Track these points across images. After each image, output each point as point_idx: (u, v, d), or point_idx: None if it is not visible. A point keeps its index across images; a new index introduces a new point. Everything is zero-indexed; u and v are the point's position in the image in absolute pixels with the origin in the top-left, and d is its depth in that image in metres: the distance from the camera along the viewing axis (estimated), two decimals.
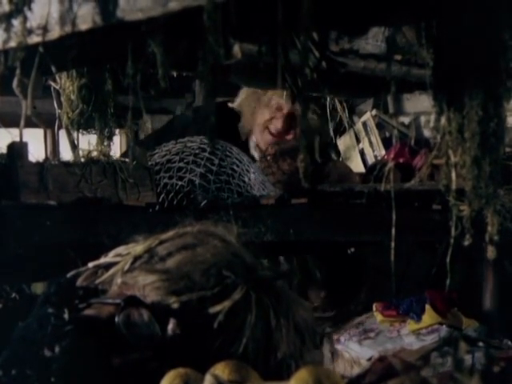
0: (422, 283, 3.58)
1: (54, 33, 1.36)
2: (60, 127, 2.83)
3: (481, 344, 2.99)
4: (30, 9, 1.36)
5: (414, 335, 3.09)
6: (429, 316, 3.14)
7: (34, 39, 1.38)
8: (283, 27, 1.20)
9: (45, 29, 1.35)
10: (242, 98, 3.87)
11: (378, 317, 3.26)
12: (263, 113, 3.77)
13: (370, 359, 2.97)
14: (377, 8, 1.27)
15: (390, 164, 1.60)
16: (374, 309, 3.30)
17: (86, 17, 1.30)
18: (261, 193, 2.83)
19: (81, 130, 2.75)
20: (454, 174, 1.47)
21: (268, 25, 1.33)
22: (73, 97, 2.63)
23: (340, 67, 2.02)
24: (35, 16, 1.38)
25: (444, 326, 3.11)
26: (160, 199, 2.64)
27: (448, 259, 1.54)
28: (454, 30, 1.34)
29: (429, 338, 3.05)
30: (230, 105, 3.86)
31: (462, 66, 1.37)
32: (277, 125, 3.69)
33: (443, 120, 1.45)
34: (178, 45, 1.38)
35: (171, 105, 5.36)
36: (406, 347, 3.01)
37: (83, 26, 1.30)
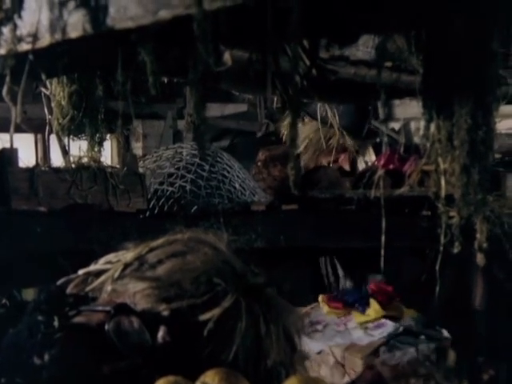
0: (413, 288, 3.59)
1: (44, 40, 1.36)
2: (51, 132, 2.83)
3: (422, 337, 3.07)
4: (20, 16, 1.36)
5: (361, 329, 3.13)
6: (373, 309, 3.21)
7: (24, 47, 1.38)
8: (273, 35, 1.21)
9: (35, 36, 1.35)
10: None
11: (324, 308, 3.28)
12: (326, 156, 3.97)
13: (319, 353, 2.99)
14: (367, 17, 1.28)
15: (380, 172, 1.60)
16: (320, 299, 3.31)
17: (76, 25, 1.29)
18: (251, 198, 2.83)
19: (71, 136, 2.74)
20: (443, 182, 1.47)
21: (258, 32, 1.33)
22: (63, 103, 2.63)
23: (330, 74, 2.03)
24: (25, 23, 1.37)
25: (390, 322, 3.16)
26: (151, 205, 2.64)
27: (437, 267, 1.54)
28: (443, 38, 1.34)
29: (376, 333, 3.09)
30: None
31: (451, 74, 1.37)
32: (344, 165, 3.89)
33: (432, 127, 1.45)
34: (168, 53, 1.38)
35: (162, 110, 5.35)
36: (355, 342, 3.03)
37: (73, 33, 1.30)
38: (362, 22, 1.32)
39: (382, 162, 3.50)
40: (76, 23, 1.30)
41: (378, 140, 4.73)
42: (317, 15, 1.21)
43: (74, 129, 2.72)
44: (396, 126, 4.96)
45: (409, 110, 4.71)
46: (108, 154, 4.57)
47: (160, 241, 1.46)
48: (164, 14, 1.17)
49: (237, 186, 2.78)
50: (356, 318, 3.18)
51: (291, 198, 2.57)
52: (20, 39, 1.37)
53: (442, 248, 1.52)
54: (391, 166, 3.45)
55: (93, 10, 1.25)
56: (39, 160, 5.22)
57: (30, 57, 1.32)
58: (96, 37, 1.28)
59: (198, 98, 1.28)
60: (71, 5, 1.29)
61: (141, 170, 2.68)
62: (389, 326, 3.13)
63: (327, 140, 3.99)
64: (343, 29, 1.40)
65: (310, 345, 2.99)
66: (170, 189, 2.67)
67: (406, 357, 2.89)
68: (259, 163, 3.40)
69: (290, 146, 1.38)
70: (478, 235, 1.42)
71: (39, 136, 5.19)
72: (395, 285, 3.36)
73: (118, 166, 2.49)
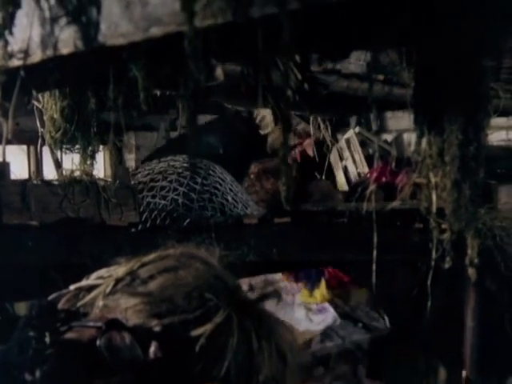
0: (405, 300, 3.59)
1: (36, 56, 1.36)
2: (43, 145, 2.82)
3: (360, 325, 3.11)
4: (11, 33, 1.36)
5: (304, 309, 3.18)
6: (321, 292, 3.26)
7: (15, 63, 1.38)
8: (264, 51, 1.21)
9: (26, 52, 1.35)
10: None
11: (283, 276, 3.35)
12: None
13: None
14: (358, 33, 1.28)
15: (372, 187, 1.60)
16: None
17: (68, 41, 1.29)
18: (244, 211, 2.83)
19: (64, 149, 2.73)
20: (434, 197, 1.48)
21: (249, 48, 1.34)
22: (55, 116, 2.62)
23: (322, 89, 2.03)
24: (16, 40, 1.37)
25: (331, 309, 3.21)
26: (143, 218, 2.63)
27: (429, 282, 1.54)
28: (433, 55, 1.34)
29: (316, 320, 3.14)
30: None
31: (442, 91, 1.38)
32: (308, 150, 3.86)
33: (424, 143, 1.46)
34: (159, 69, 1.38)
35: (155, 121, 5.34)
36: (294, 323, 3.07)
37: (65, 49, 1.30)
38: (353, 39, 1.33)
39: (374, 175, 3.50)
40: (67, 39, 1.30)
41: (370, 151, 4.74)
42: (308, 32, 1.22)
43: (66, 142, 2.71)
44: (389, 137, 4.98)
45: (401, 122, 4.73)
46: (101, 166, 4.57)
47: (152, 256, 1.46)
48: (155, 31, 1.17)
49: (229, 198, 2.78)
50: (302, 295, 3.25)
51: (284, 211, 2.56)
52: (11, 55, 1.37)
53: (433, 262, 1.52)
54: (383, 179, 3.46)
55: (84, 26, 1.25)
56: (32, 172, 5.21)
57: (22, 73, 1.32)
58: (87, 53, 1.27)
59: (190, 114, 1.28)
60: (62, 21, 1.29)
61: (133, 183, 2.67)
62: (329, 314, 3.19)
63: (295, 125, 3.99)
64: (335, 45, 1.40)
65: None
66: (163, 202, 2.67)
67: (337, 348, 2.92)
68: (252, 176, 3.40)
69: (282, 162, 1.38)
70: (469, 250, 1.42)
71: (32, 148, 5.18)
72: (387, 296, 3.37)
73: (110, 179, 2.48)
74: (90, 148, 2.70)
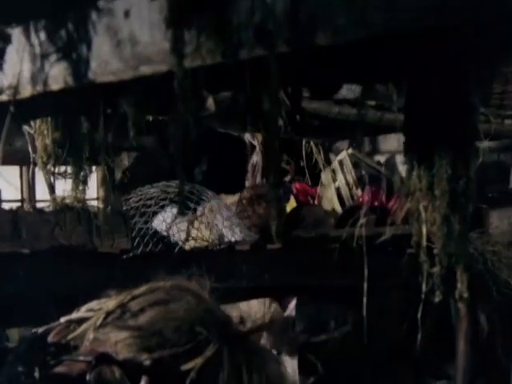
0: (398, 325, 3.59)
1: (26, 92, 1.36)
2: (35, 170, 2.82)
3: None
4: (1, 68, 1.36)
5: None
6: (290, 206, 3.30)
7: (4, 98, 1.38)
8: (252, 87, 1.21)
9: (16, 88, 1.35)
10: None
11: None
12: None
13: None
14: (348, 72, 1.29)
15: (363, 219, 1.61)
16: None
17: (58, 77, 1.30)
18: (234, 237, 2.83)
19: (56, 175, 2.73)
20: (424, 230, 1.48)
21: (239, 82, 1.34)
22: (47, 141, 2.62)
23: (313, 120, 2.04)
24: (6, 75, 1.38)
25: None
26: (135, 243, 2.63)
27: (419, 315, 1.54)
28: (423, 91, 1.35)
29: None
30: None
31: (431, 126, 1.38)
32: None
33: (414, 177, 1.46)
34: (150, 104, 1.38)
35: (148, 142, 5.34)
36: None
37: (55, 85, 1.31)
38: (343, 76, 1.34)
39: (367, 198, 3.51)
40: (58, 76, 1.30)
41: (363, 172, 4.75)
42: (296, 70, 1.22)
43: (58, 167, 2.71)
44: (381, 158, 4.99)
45: (394, 143, 4.74)
46: (93, 187, 4.56)
47: (142, 289, 1.46)
48: (145, 70, 1.17)
49: (221, 224, 2.78)
50: None
51: (276, 236, 2.56)
52: (1, 90, 1.38)
53: (423, 296, 1.52)
54: (376, 203, 3.47)
55: (74, 63, 1.26)
56: (25, 191, 5.22)
57: (11, 109, 1.32)
58: (78, 89, 1.28)
59: (177, 142, 1.27)
60: (53, 57, 1.30)
61: (125, 208, 2.67)
62: None
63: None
64: (325, 79, 1.41)
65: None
66: (155, 227, 2.67)
67: None
68: (244, 201, 3.40)
69: (271, 193, 1.39)
70: (458, 285, 1.42)
71: (24, 168, 5.18)
72: (380, 321, 3.36)
73: (102, 202, 2.47)
74: (82, 173, 2.69)
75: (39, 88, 1.33)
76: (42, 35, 1.31)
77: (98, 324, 1.39)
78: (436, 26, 0.97)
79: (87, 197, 2.90)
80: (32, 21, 1.32)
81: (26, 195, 5.17)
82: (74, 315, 1.47)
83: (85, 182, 2.72)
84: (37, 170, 3.23)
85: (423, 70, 1.31)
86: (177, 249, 2.54)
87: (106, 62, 1.23)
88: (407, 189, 1.50)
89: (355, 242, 2.14)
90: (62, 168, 2.72)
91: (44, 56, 1.31)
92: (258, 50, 1.01)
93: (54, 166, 2.67)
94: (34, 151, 2.75)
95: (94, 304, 1.47)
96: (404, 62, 1.28)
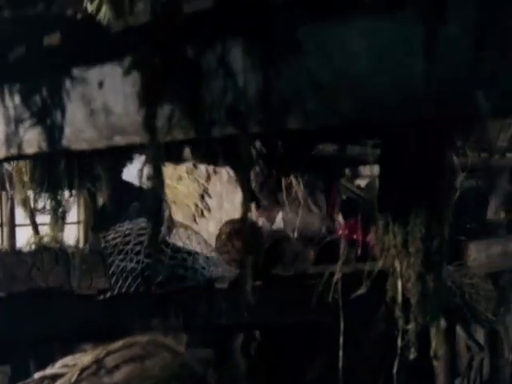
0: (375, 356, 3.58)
1: (0, 153, 1.36)
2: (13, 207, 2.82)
3: None
4: None
5: None
6: None
7: None
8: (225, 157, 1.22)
9: None
10: None
11: None
12: None
13: None
14: (322, 138, 1.30)
15: (338, 273, 1.61)
16: None
17: (32, 142, 1.30)
18: (215, 273, 2.83)
19: (35, 211, 2.73)
20: (399, 286, 1.49)
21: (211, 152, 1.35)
22: (26, 179, 2.61)
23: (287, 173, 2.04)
24: None
25: None
26: (113, 281, 2.62)
27: (395, 370, 1.55)
28: (397, 152, 1.36)
29: None
30: None
31: (405, 185, 1.39)
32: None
33: (389, 232, 1.47)
34: (123, 168, 1.39)
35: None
36: None
37: (29, 149, 1.31)
38: (318, 141, 1.34)
39: (345, 232, 3.52)
40: (32, 140, 1.31)
41: (344, 197, 4.76)
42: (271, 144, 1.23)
43: (36, 203, 2.71)
44: (362, 183, 5.01)
45: (375, 167, 4.75)
46: (75, 211, 4.54)
47: (118, 344, 1.45)
48: (118, 140, 1.18)
49: (200, 260, 2.78)
50: None
51: (255, 273, 2.56)
52: None
53: (399, 351, 1.53)
54: (354, 236, 3.47)
55: (48, 128, 1.26)
56: (4, 217, 5.19)
57: None
58: (52, 154, 1.28)
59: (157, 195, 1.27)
60: (27, 122, 1.30)
61: (103, 245, 2.66)
62: None
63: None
64: (302, 140, 1.42)
65: None
66: (134, 265, 2.66)
67: None
68: (223, 236, 3.39)
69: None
70: (433, 343, 1.43)
71: (4, 193, 5.13)
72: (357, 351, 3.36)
73: (80, 246, 2.47)
74: (60, 210, 2.69)
75: (13, 151, 1.33)
76: (17, 99, 1.31)
77: (72, 380, 1.38)
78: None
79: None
80: (6, 84, 1.32)
81: (5, 219, 5.15)
82: (49, 371, 1.46)
83: (63, 218, 2.72)
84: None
85: (398, 132, 1.32)
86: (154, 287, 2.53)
87: (79, 129, 1.23)
88: (382, 244, 1.51)
89: (331, 296, 2.16)
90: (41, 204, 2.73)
91: (18, 120, 1.31)
92: (230, 128, 1.02)
93: (34, 202, 2.68)
94: (12, 188, 2.75)
95: (68, 359, 1.46)
96: (378, 129, 1.29)
